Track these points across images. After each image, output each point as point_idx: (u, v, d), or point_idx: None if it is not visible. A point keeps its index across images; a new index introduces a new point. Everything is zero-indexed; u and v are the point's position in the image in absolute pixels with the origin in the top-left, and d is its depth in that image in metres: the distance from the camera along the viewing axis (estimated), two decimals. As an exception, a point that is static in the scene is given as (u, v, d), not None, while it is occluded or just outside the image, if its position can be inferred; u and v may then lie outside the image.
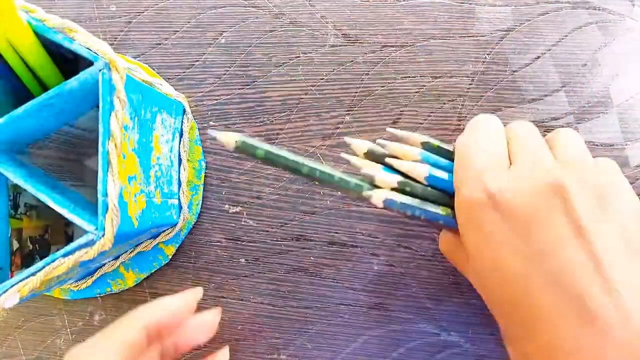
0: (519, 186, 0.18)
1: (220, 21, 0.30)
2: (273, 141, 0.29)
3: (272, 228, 0.29)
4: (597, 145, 0.27)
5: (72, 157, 0.27)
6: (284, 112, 0.29)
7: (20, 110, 0.19)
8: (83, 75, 0.18)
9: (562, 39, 0.28)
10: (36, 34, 0.19)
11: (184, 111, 0.29)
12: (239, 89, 0.29)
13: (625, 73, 0.28)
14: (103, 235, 0.18)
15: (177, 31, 0.30)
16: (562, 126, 0.28)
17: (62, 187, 0.23)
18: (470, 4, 0.29)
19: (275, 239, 0.29)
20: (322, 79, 0.29)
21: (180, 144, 0.28)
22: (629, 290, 0.15)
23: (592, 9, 0.28)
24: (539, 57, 0.28)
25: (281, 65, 0.29)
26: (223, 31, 0.30)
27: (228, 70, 0.30)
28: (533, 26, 0.28)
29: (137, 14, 0.30)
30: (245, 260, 0.29)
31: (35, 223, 0.25)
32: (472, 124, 0.21)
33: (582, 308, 0.15)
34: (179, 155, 0.28)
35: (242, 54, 0.30)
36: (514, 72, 0.28)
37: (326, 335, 0.28)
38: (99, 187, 0.18)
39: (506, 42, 0.28)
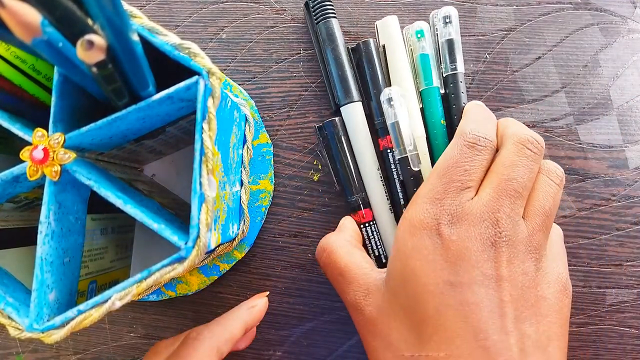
0: (467, 224, 0.19)
1: (221, 16, 0.30)
2: (272, 137, 0.29)
3: (270, 224, 0.29)
4: (595, 146, 0.27)
5: (129, 164, 0.27)
6: (284, 108, 0.29)
7: (118, 114, 0.17)
8: (184, 83, 0.17)
9: (563, 39, 0.28)
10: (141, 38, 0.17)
11: (246, 119, 0.28)
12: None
13: (625, 75, 0.28)
14: (192, 250, 0.17)
15: (179, 26, 0.30)
16: (562, 127, 0.28)
17: (140, 196, 0.22)
18: (472, 3, 0.29)
19: (272, 235, 0.29)
20: (322, 75, 0.29)
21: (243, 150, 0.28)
22: (521, 341, 0.18)
23: (593, 10, 0.28)
24: (539, 57, 0.28)
25: (282, 62, 0.29)
26: (224, 26, 0.30)
27: (229, 66, 0.30)
28: (534, 26, 0.28)
29: (139, 7, 0.30)
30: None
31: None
32: (470, 136, 0.21)
33: (481, 339, 0.18)
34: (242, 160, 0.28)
35: (243, 49, 0.30)
36: (514, 72, 0.28)
37: (322, 332, 0.28)
38: (194, 206, 0.17)
39: (507, 42, 0.28)
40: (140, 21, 0.17)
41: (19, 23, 0.12)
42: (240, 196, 0.27)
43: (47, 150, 0.18)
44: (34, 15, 0.12)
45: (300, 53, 0.29)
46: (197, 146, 0.17)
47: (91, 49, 0.13)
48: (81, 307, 0.17)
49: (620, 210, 0.27)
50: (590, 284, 0.27)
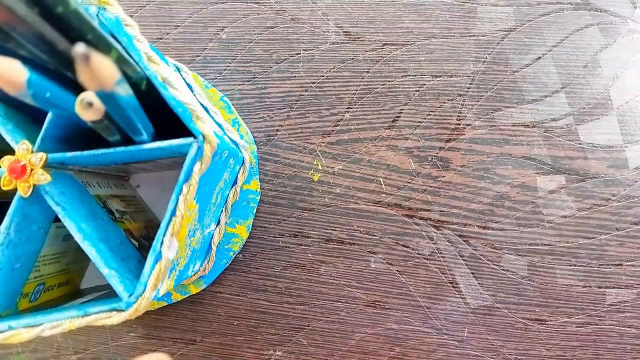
0: None
1: (221, 17, 0.30)
2: (272, 137, 0.29)
3: (270, 224, 0.29)
4: (596, 146, 0.27)
5: (115, 173, 0.27)
6: (284, 108, 0.29)
7: (107, 150, 0.18)
8: (179, 142, 0.17)
9: (563, 40, 0.28)
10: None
11: (243, 162, 0.27)
12: (239, 84, 0.29)
13: (625, 75, 0.28)
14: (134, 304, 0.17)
15: (179, 26, 0.30)
16: (562, 127, 0.28)
17: (108, 223, 0.22)
18: (472, 3, 0.29)
19: (272, 235, 0.29)
20: (322, 76, 0.29)
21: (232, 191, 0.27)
22: None
23: (593, 10, 0.28)
24: (539, 57, 0.28)
25: (282, 62, 0.29)
26: (224, 27, 0.30)
27: (229, 66, 0.30)
28: (534, 27, 0.28)
29: (139, 7, 0.30)
30: (243, 255, 0.29)
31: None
32: None
33: None
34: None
35: (243, 49, 0.30)
36: (514, 72, 0.28)
37: (322, 332, 0.28)
38: (148, 262, 0.17)
39: (507, 42, 0.28)
40: (155, 68, 0.17)
41: (6, 82, 0.12)
42: (212, 235, 0.26)
43: (25, 167, 0.18)
44: (19, 75, 0.12)
45: (300, 53, 0.29)
46: (171, 206, 0.17)
47: (90, 109, 0.13)
48: (13, 323, 0.17)
49: (620, 210, 0.27)
50: (590, 284, 0.27)
